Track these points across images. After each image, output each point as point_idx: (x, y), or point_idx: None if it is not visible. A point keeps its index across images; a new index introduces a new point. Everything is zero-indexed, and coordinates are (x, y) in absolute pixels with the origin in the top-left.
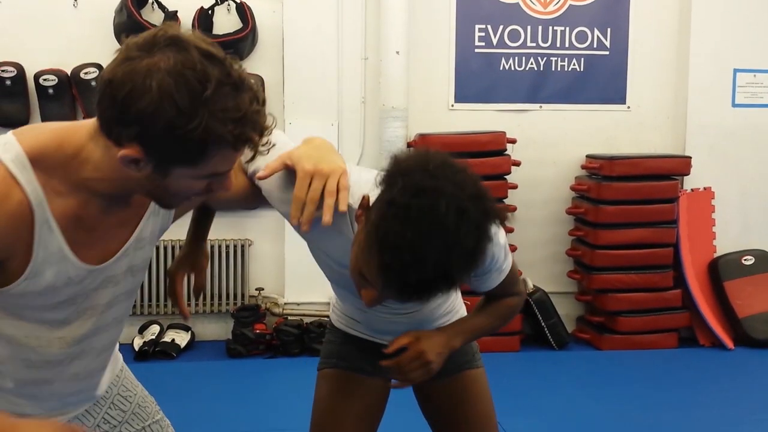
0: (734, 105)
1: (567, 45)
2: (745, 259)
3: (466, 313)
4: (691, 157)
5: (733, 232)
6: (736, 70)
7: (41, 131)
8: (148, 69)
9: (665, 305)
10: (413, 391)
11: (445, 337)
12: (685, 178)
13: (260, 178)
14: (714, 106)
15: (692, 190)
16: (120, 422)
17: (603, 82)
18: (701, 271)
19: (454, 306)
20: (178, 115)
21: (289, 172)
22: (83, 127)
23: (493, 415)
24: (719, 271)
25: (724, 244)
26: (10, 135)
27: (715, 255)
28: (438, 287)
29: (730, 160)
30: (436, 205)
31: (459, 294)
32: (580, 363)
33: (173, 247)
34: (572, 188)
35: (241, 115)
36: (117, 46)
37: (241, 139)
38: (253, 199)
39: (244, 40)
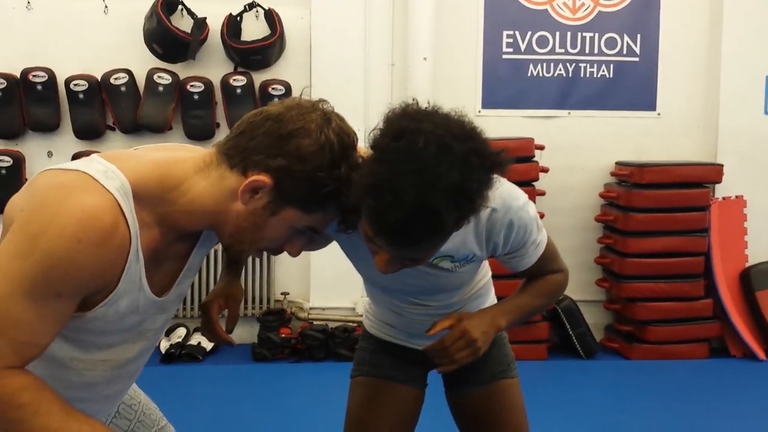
0: (766, 112)
1: (596, 51)
2: None
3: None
4: (722, 165)
5: (765, 241)
6: None
7: (140, 161)
8: (319, 121)
9: (696, 315)
10: (447, 400)
11: (489, 317)
12: (716, 186)
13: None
14: (746, 113)
15: (724, 198)
16: (126, 431)
17: (633, 88)
18: (733, 280)
19: (487, 277)
20: (327, 168)
21: None
22: (185, 161)
23: (527, 426)
24: (751, 280)
25: (756, 254)
26: (106, 162)
27: (747, 264)
28: (426, 228)
29: (763, 167)
30: (414, 142)
31: (492, 294)
32: (609, 373)
33: None
34: (601, 195)
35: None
36: (146, 52)
37: (351, 211)
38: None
39: (272, 46)
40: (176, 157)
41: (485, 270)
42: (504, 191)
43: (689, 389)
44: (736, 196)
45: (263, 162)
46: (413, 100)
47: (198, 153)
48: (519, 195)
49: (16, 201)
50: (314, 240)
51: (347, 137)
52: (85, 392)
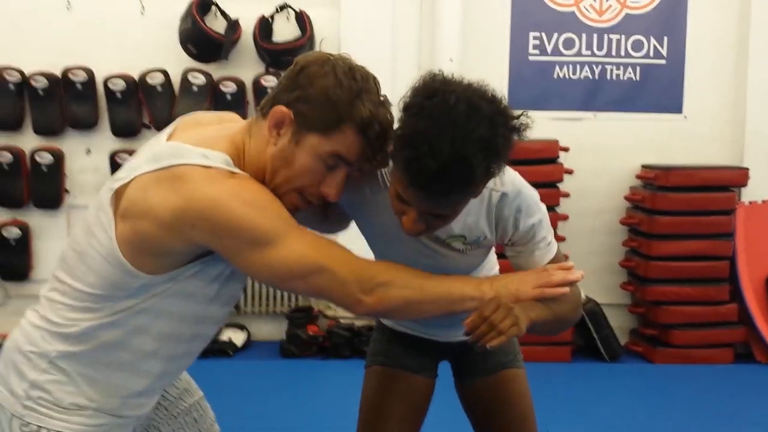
0: None
1: (623, 53)
2: None
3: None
4: (748, 169)
5: None
6: None
7: (216, 140)
8: (325, 56)
9: (721, 319)
10: (456, 389)
11: (521, 306)
12: (742, 190)
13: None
14: None
15: (750, 202)
16: (176, 398)
17: (659, 90)
18: (759, 285)
19: (492, 263)
20: (335, 87)
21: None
22: (240, 130)
23: (532, 415)
24: None
25: None
26: (194, 148)
27: None
28: (459, 176)
29: None
30: (447, 101)
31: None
32: (633, 376)
33: None
34: (626, 198)
35: (375, 113)
36: (181, 52)
37: (371, 130)
38: (314, 213)
39: (302, 47)
40: (234, 128)
41: (493, 263)
42: (517, 179)
43: (713, 394)
44: (763, 201)
45: (284, 98)
46: (439, 70)
47: (231, 121)
48: (531, 188)
49: (154, 198)
50: (346, 175)
51: (351, 62)
52: (181, 362)
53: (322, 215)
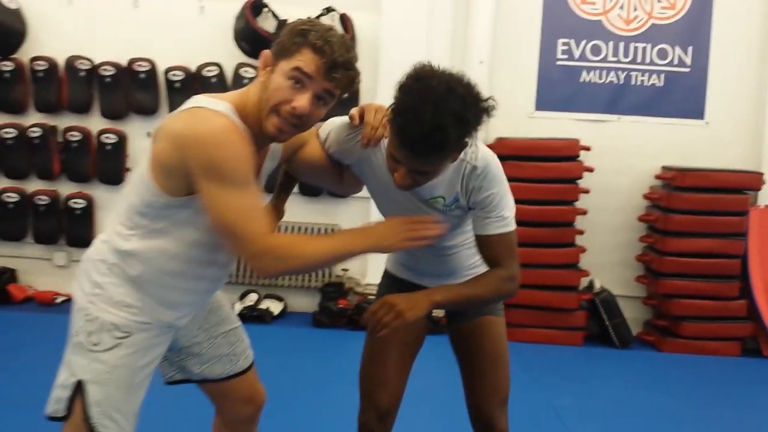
0: None
1: (648, 61)
2: None
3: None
4: (762, 174)
5: None
6: None
7: (230, 95)
8: (297, 23)
9: (730, 314)
10: (448, 331)
11: (424, 293)
12: (759, 194)
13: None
14: None
15: (766, 206)
16: (215, 324)
17: (682, 97)
18: None
19: (477, 265)
20: (300, 24)
21: (341, 129)
22: (247, 88)
23: (505, 356)
24: None
25: None
26: (207, 97)
27: None
28: (437, 141)
29: None
30: (429, 82)
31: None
32: (641, 362)
33: None
34: (645, 197)
35: (327, 40)
36: (235, 48)
37: (323, 49)
38: (331, 175)
39: None
40: (242, 90)
41: (477, 260)
42: (488, 157)
43: (718, 383)
44: None
45: (270, 49)
46: (428, 62)
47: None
48: (498, 165)
49: (171, 127)
50: (343, 164)
51: (317, 25)
52: (217, 271)
53: (339, 179)
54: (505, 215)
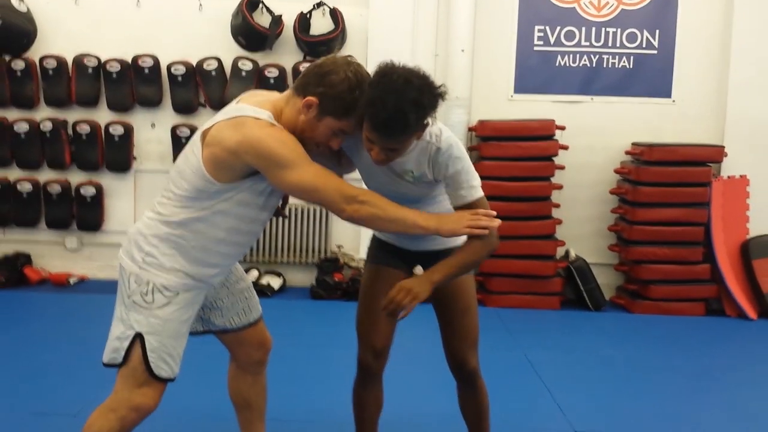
0: None
1: (618, 44)
2: None
3: (451, 208)
4: (723, 147)
5: (766, 217)
6: None
7: (264, 102)
8: (343, 65)
9: (694, 277)
10: None
11: (425, 276)
12: (723, 166)
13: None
14: (753, 101)
15: (729, 177)
16: (234, 282)
17: (650, 77)
18: (734, 250)
19: (442, 205)
20: (347, 92)
21: None
22: (279, 99)
23: (474, 306)
24: (749, 250)
25: (757, 227)
26: (250, 107)
27: (748, 237)
28: (400, 123)
29: (767, 151)
30: (391, 77)
31: (444, 199)
32: (613, 323)
33: None
34: (616, 171)
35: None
36: (233, 43)
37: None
38: (333, 158)
39: (335, 39)
40: (274, 98)
41: (443, 198)
42: (450, 139)
43: (684, 341)
44: (740, 176)
45: (312, 90)
46: (390, 60)
47: (276, 94)
48: (459, 146)
49: (225, 134)
50: (343, 140)
51: (361, 75)
52: (250, 237)
53: (338, 161)
54: (473, 184)
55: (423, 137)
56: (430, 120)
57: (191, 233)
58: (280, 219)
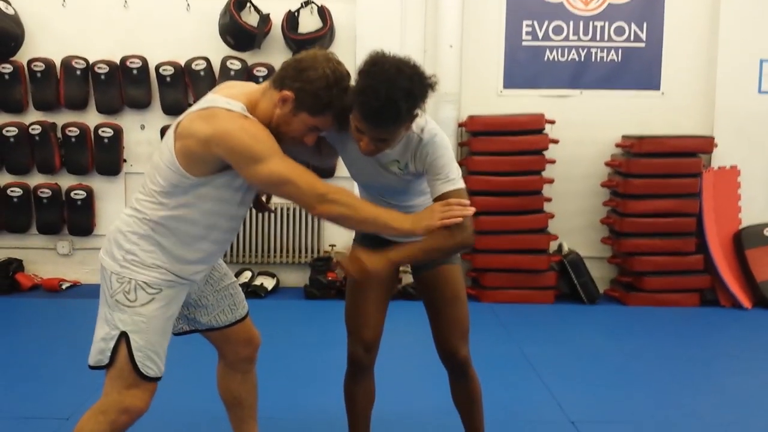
0: (760, 92)
1: (606, 38)
2: (766, 231)
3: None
4: (713, 137)
5: (757, 207)
6: (762, 60)
7: (239, 93)
8: (322, 61)
9: (688, 268)
10: (413, 278)
11: (383, 253)
12: (713, 157)
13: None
14: (741, 92)
15: (719, 167)
16: (218, 279)
17: (639, 70)
18: (727, 240)
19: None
20: (325, 89)
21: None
22: (255, 91)
23: (462, 295)
24: (742, 240)
25: (749, 217)
26: (223, 98)
27: (740, 227)
28: (391, 113)
29: (756, 141)
30: (382, 66)
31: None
32: (607, 315)
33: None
34: (606, 164)
35: (344, 107)
36: (221, 42)
37: (340, 116)
38: (316, 154)
39: (323, 37)
40: (249, 89)
41: (428, 191)
42: (434, 131)
43: (680, 331)
44: (731, 166)
45: (289, 84)
46: (381, 49)
47: (253, 85)
48: (443, 139)
49: (196, 126)
50: (320, 136)
51: (339, 72)
52: (229, 234)
53: (318, 151)
54: (451, 176)
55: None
56: (419, 111)
57: (169, 231)
58: (272, 218)
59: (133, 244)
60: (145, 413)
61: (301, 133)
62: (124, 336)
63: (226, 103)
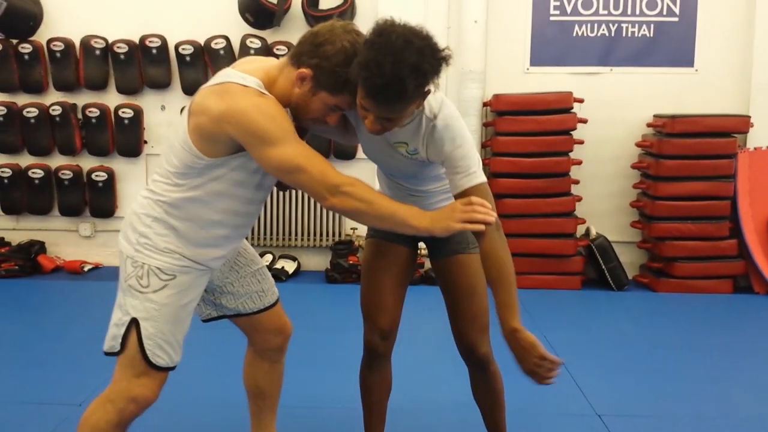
0: None
1: (637, 12)
2: None
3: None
4: (749, 117)
5: None
6: None
7: (257, 68)
8: (340, 34)
9: (721, 253)
10: (431, 265)
11: (512, 326)
12: (749, 137)
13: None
14: None
15: (755, 148)
16: (244, 264)
17: (672, 46)
18: (762, 224)
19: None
20: (343, 65)
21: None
22: (273, 66)
23: (480, 287)
24: None
25: None
26: (237, 72)
27: None
28: (396, 91)
29: None
30: (389, 37)
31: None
32: (636, 302)
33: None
34: (637, 144)
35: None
36: (240, 20)
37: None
38: (338, 127)
39: (344, 13)
40: (269, 65)
41: (443, 177)
42: (450, 116)
43: (711, 319)
44: (767, 147)
45: (306, 61)
46: (390, 17)
47: (273, 60)
48: (461, 125)
49: (209, 102)
50: (341, 116)
51: (359, 45)
52: (247, 219)
53: (345, 129)
54: (472, 169)
55: (422, 108)
56: (431, 87)
57: (184, 213)
58: (293, 201)
59: (147, 227)
60: (154, 402)
61: (322, 113)
62: (134, 323)
63: (241, 78)
